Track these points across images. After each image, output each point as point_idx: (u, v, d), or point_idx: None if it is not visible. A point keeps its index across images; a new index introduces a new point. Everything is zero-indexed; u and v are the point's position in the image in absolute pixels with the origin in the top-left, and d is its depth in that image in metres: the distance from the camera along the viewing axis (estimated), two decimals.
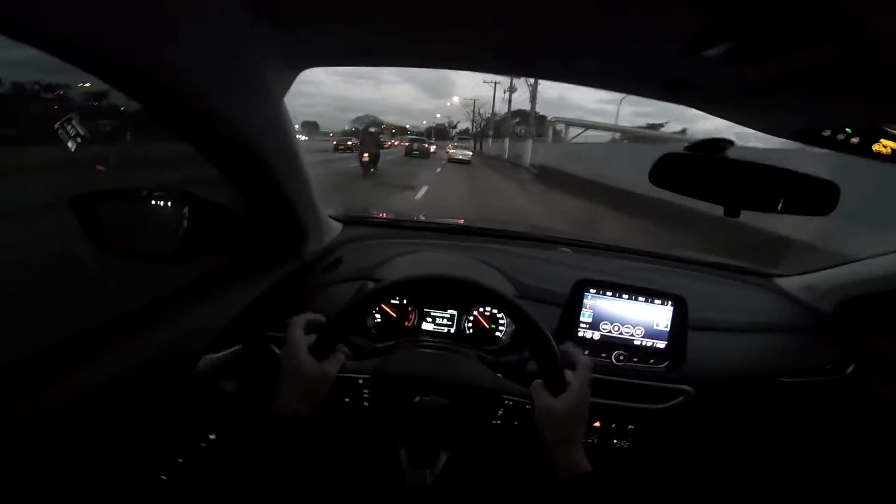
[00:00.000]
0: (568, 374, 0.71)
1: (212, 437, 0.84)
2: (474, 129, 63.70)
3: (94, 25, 0.40)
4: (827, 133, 0.65)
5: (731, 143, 0.68)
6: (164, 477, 0.76)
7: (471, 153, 28.10)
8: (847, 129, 0.64)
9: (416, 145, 26.91)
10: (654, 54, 0.57)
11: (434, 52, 0.72)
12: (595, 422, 0.98)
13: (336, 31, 0.60)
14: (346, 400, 0.71)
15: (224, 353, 0.80)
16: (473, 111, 61.58)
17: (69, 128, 0.87)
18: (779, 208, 0.70)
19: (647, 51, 0.56)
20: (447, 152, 29.30)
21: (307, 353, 0.66)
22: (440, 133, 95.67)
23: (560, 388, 0.69)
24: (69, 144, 0.87)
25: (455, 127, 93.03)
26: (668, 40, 0.50)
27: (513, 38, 0.59)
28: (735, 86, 0.60)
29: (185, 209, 0.81)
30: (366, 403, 0.72)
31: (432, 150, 32.80)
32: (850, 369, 1.13)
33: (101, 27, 0.40)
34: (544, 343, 0.72)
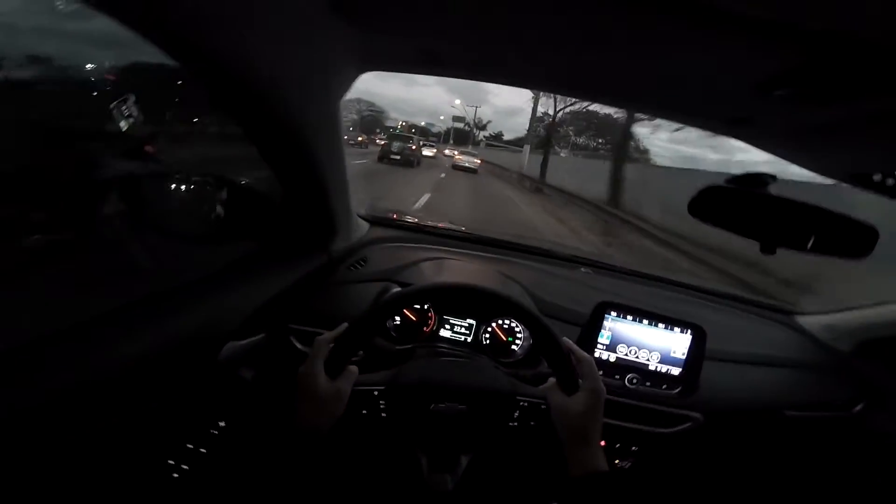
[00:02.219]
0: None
1: (222, 424, 0.85)
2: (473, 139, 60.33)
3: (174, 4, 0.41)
4: (878, 177, 0.65)
5: (773, 178, 0.67)
6: (171, 461, 0.77)
7: (478, 161, 23.26)
8: None
9: (395, 146, 15.83)
10: (722, 93, 0.57)
11: (501, 68, 0.72)
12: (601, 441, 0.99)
13: (407, 35, 0.61)
14: (364, 412, 0.72)
15: (247, 341, 0.82)
16: (474, 120, 58.04)
17: (123, 108, 0.90)
18: (815, 248, 0.70)
19: (717, 89, 0.57)
20: (454, 158, 24.03)
21: (322, 372, 0.67)
22: (461, 136, 71.95)
23: (574, 388, 0.70)
24: (121, 123, 0.91)
25: (485, 128, 68.47)
26: (738, 81, 0.51)
27: (583, 64, 0.59)
28: (792, 126, 0.61)
29: (224, 194, 0.84)
30: (383, 414, 0.73)
31: (428, 154, 24.69)
32: (858, 407, 1.13)
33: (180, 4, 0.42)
34: (564, 360, 0.72)
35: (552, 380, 0.73)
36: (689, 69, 0.54)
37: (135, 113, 0.94)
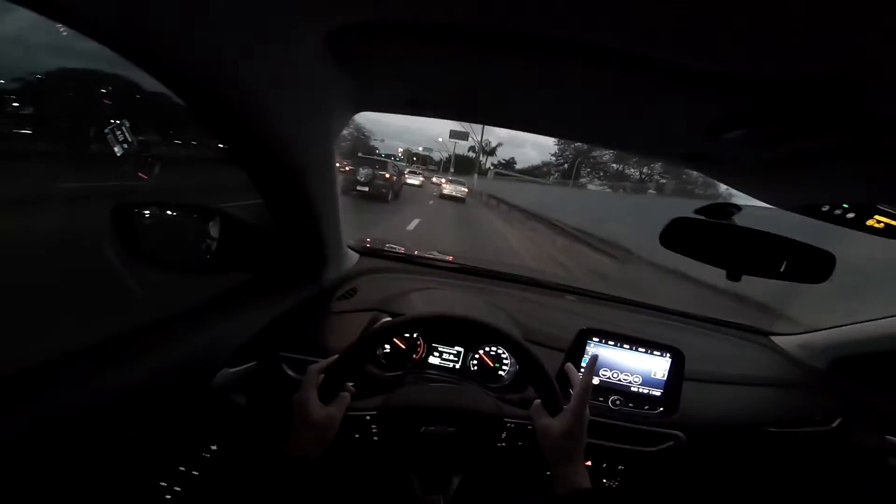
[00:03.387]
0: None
1: (213, 447, 0.85)
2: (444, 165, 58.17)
3: (180, 37, 0.44)
4: (826, 208, 0.70)
5: (738, 208, 0.73)
6: (163, 483, 0.77)
7: (466, 190, 21.21)
8: (844, 205, 0.69)
9: (363, 174, 11.34)
10: (676, 133, 0.63)
11: (480, 112, 0.79)
12: (586, 461, 1.01)
13: (396, 85, 0.67)
14: (357, 436, 0.73)
15: (239, 368, 0.82)
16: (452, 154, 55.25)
17: (118, 133, 0.92)
18: (778, 274, 0.75)
19: (672, 129, 0.62)
20: (441, 186, 22.14)
21: (315, 399, 0.69)
22: (464, 164, 62.05)
23: (557, 409, 0.73)
24: (115, 149, 0.92)
25: (493, 152, 59.55)
26: (691, 122, 0.57)
27: (546, 105, 0.65)
28: (746, 162, 0.66)
29: (216, 224, 0.85)
30: (375, 438, 0.74)
31: (412, 183, 22.64)
32: (836, 422, 1.18)
33: (187, 40, 0.45)
34: (547, 383, 0.76)
35: (538, 402, 0.75)
36: (644, 114, 0.60)
37: (129, 139, 0.95)
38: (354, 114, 0.79)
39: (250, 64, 0.49)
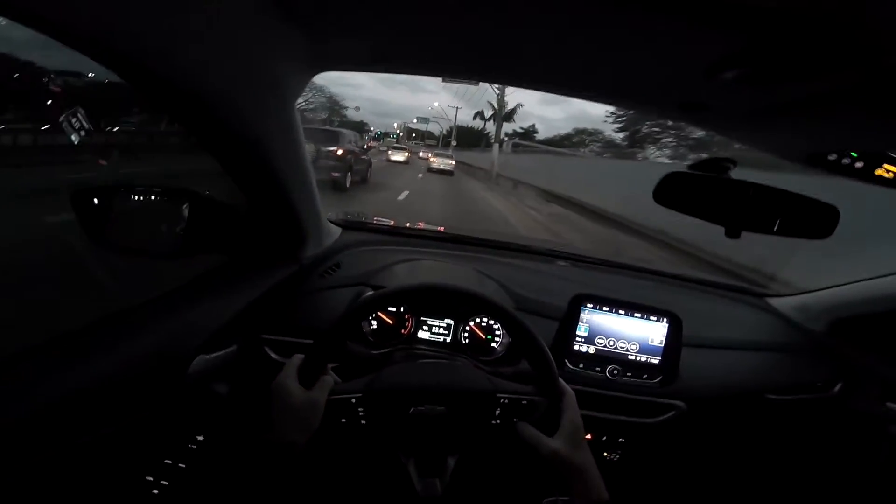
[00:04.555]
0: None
1: (200, 438, 0.83)
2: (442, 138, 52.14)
3: (111, 15, 0.40)
4: (833, 157, 0.66)
5: (734, 162, 0.69)
6: (149, 478, 0.75)
7: (452, 163, 21.06)
8: (853, 153, 0.65)
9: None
10: (672, 77, 0.58)
11: (447, 63, 0.73)
12: (587, 434, 0.99)
13: (356, 35, 0.61)
14: (343, 421, 0.70)
15: (217, 353, 0.79)
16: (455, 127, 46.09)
17: (73, 120, 0.86)
18: (779, 230, 0.71)
19: (666, 74, 0.57)
20: (428, 161, 21.79)
21: (296, 383, 0.66)
22: (466, 138, 51.59)
23: (555, 426, 0.70)
24: (72, 137, 0.86)
25: (511, 117, 40.10)
26: (687, 64, 0.52)
27: (528, 52, 0.59)
28: (747, 109, 0.61)
29: (186, 206, 0.81)
30: (362, 422, 0.71)
31: (397, 160, 21.59)
32: (837, 388, 1.16)
33: (119, 16, 0.40)
34: (542, 355, 0.73)
35: (531, 429, 0.71)
36: (637, 57, 0.54)
37: (86, 125, 0.89)
38: (312, 74, 0.73)
39: (184, 21, 0.44)
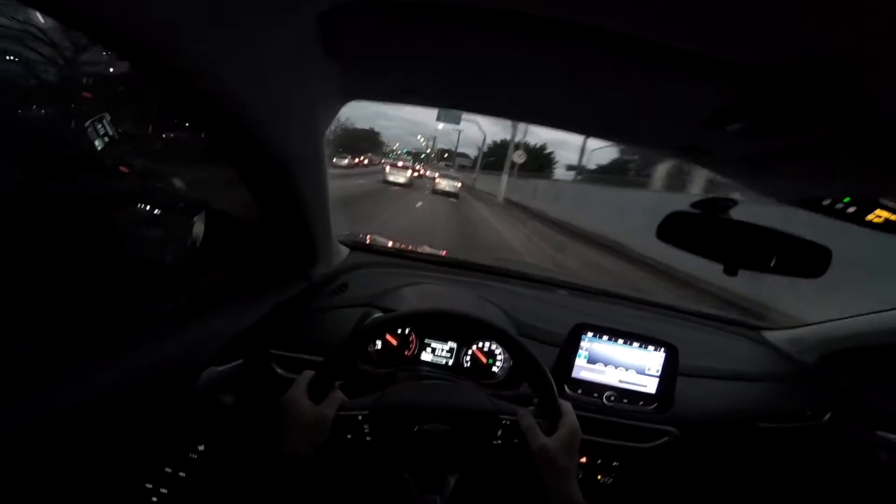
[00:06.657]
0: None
1: (201, 448, 0.83)
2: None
3: (173, 33, 0.42)
4: (827, 202, 0.69)
5: (735, 202, 0.72)
6: (149, 485, 0.75)
7: (459, 184, 20.73)
8: (845, 199, 0.68)
9: None
10: (675, 124, 0.61)
11: (473, 100, 0.77)
12: (581, 457, 1.00)
13: (387, 70, 0.65)
14: (349, 437, 0.71)
15: (226, 366, 0.80)
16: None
17: (99, 127, 0.88)
18: (774, 268, 0.74)
19: (672, 119, 0.61)
20: (434, 182, 21.42)
21: (306, 399, 0.68)
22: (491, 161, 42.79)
23: (554, 406, 0.72)
24: (96, 143, 0.89)
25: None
26: (693, 112, 0.55)
27: (549, 97, 0.63)
28: (746, 154, 0.65)
29: (202, 220, 0.82)
30: (368, 438, 0.72)
31: (398, 181, 19.05)
32: (827, 416, 1.19)
33: (184, 40, 0.42)
34: (543, 378, 0.74)
35: (531, 422, 0.73)
36: (645, 103, 0.58)
37: (111, 132, 0.92)
38: (344, 104, 0.76)
39: (236, 51, 0.47)
